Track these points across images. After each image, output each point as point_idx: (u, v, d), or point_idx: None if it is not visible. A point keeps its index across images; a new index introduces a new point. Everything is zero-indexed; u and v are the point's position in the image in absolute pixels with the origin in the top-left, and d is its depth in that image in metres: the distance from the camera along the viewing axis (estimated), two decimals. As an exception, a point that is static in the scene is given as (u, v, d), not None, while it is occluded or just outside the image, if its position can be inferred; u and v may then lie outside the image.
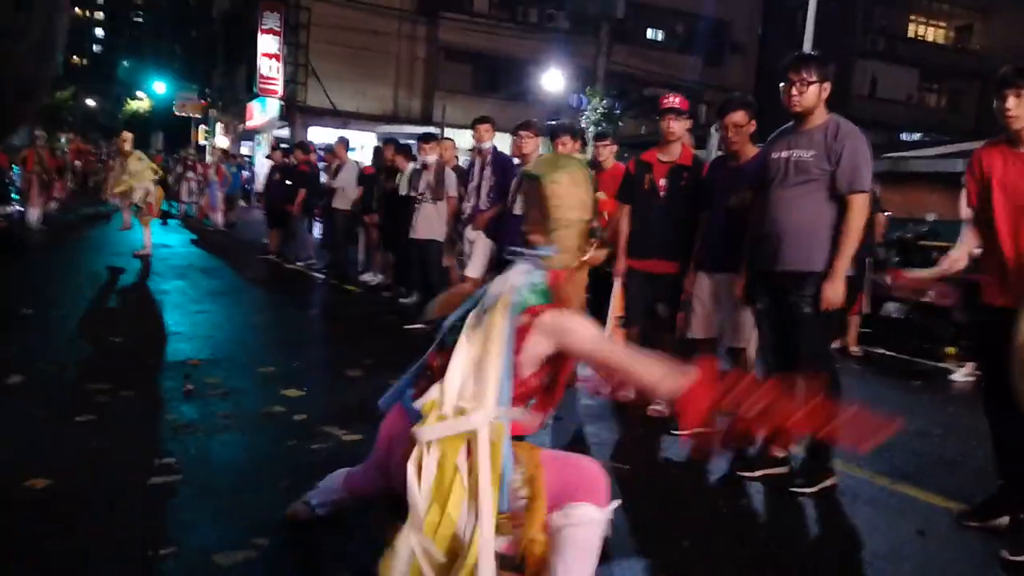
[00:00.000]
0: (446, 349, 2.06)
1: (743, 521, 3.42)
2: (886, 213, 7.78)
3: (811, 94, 3.41)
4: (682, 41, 27.55)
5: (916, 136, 28.45)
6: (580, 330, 2.00)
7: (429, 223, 7.05)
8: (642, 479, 3.74)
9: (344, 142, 10.08)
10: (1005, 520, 3.21)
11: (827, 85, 3.45)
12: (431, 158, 7.19)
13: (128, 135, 10.72)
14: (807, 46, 13.86)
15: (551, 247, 2.10)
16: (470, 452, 1.89)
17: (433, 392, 1.98)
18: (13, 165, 13.31)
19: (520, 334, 1.97)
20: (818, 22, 14.16)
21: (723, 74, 27.47)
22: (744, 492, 3.65)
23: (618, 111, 19.84)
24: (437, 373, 2.05)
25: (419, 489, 1.88)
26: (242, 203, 16.65)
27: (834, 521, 3.42)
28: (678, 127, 4.49)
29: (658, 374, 1.93)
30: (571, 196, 2.10)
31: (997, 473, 3.33)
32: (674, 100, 4.52)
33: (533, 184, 2.13)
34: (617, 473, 3.74)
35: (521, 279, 2.03)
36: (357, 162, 10.76)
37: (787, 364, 3.67)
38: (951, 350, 6.94)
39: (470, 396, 1.92)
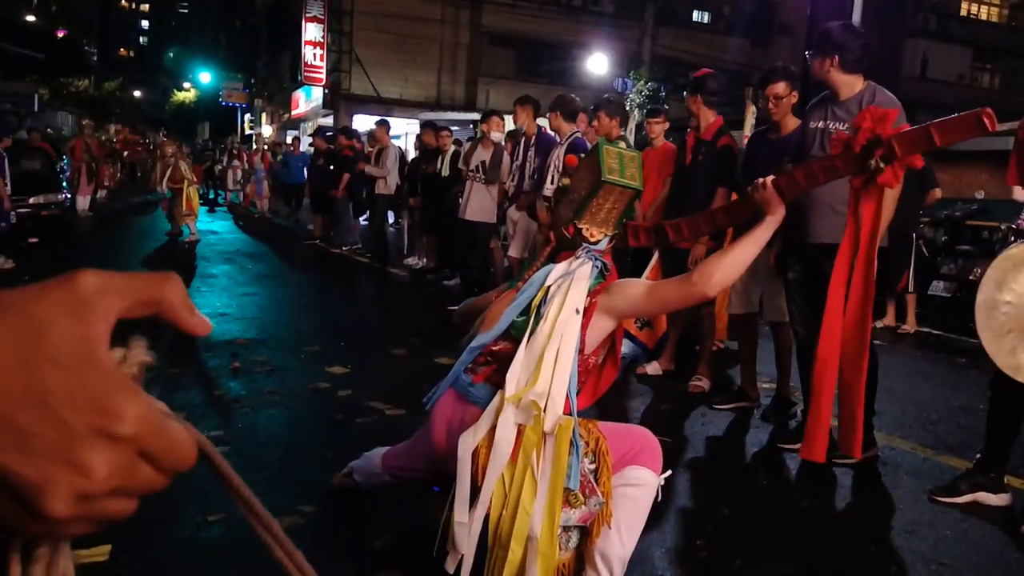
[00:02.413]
0: (511, 339, 2.11)
1: (783, 491, 3.41)
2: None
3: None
4: (729, 22, 27.05)
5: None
6: (631, 284, 2.15)
7: (479, 204, 6.93)
8: (683, 451, 3.73)
9: (385, 125, 10.05)
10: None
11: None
12: (496, 135, 7.02)
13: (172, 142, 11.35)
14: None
15: (608, 238, 2.20)
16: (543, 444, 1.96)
17: (514, 380, 2.00)
18: (62, 154, 13.69)
19: (586, 314, 2.05)
20: (868, 1, 13.81)
21: (770, 56, 26.88)
22: (785, 464, 3.63)
23: (663, 94, 19.60)
24: (501, 360, 2.10)
25: (488, 463, 1.94)
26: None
27: (876, 490, 3.38)
28: (692, 104, 4.58)
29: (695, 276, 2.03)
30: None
31: (987, 433, 3.22)
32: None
33: (628, 194, 2.16)
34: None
35: (587, 269, 2.11)
36: (399, 147, 10.80)
37: (818, 334, 3.64)
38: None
39: (544, 386, 1.96)
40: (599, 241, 2.18)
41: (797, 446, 3.70)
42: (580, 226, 2.17)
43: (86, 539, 2.49)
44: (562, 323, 2.01)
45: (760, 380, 4.54)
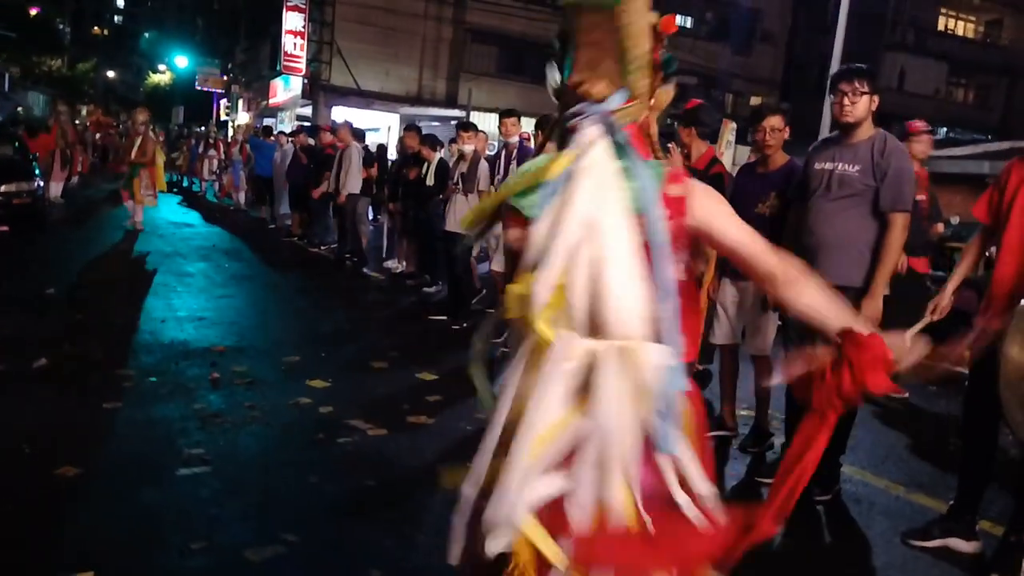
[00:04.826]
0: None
1: (762, 531, 3.44)
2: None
3: (862, 105, 3.39)
4: (712, 28, 27.20)
5: (942, 132, 28.09)
6: (727, 207, 1.59)
7: (459, 215, 6.89)
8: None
9: (349, 126, 9.94)
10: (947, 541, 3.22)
11: (876, 98, 3.42)
12: (468, 147, 7.02)
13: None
14: (839, 37, 13.69)
15: (622, 93, 1.51)
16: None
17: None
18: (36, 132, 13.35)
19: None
20: (849, 13, 13.95)
21: (752, 63, 27.17)
22: (762, 499, 3.66)
23: (642, 99, 19.63)
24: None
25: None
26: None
27: (850, 531, 3.44)
28: (686, 136, 4.55)
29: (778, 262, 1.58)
30: (643, 23, 1.57)
31: (960, 480, 3.30)
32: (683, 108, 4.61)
33: (598, 17, 1.54)
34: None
35: (603, 149, 1.47)
36: (366, 146, 10.65)
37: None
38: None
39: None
40: (606, 98, 1.50)
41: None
42: (579, 79, 1.53)
43: (69, 565, 2.47)
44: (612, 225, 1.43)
45: (739, 406, 4.59)
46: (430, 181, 7.75)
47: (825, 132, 13.41)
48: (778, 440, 4.19)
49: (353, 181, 9.41)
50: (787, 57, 28.44)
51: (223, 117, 36.14)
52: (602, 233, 1.39)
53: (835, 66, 13.82)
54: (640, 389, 1.36)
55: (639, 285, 1.38)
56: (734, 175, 4.86)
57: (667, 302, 1.41)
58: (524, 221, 1.52)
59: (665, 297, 1.41)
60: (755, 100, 26.90)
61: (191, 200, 17.72)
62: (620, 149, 1.48)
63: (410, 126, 9.11)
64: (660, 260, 1.41)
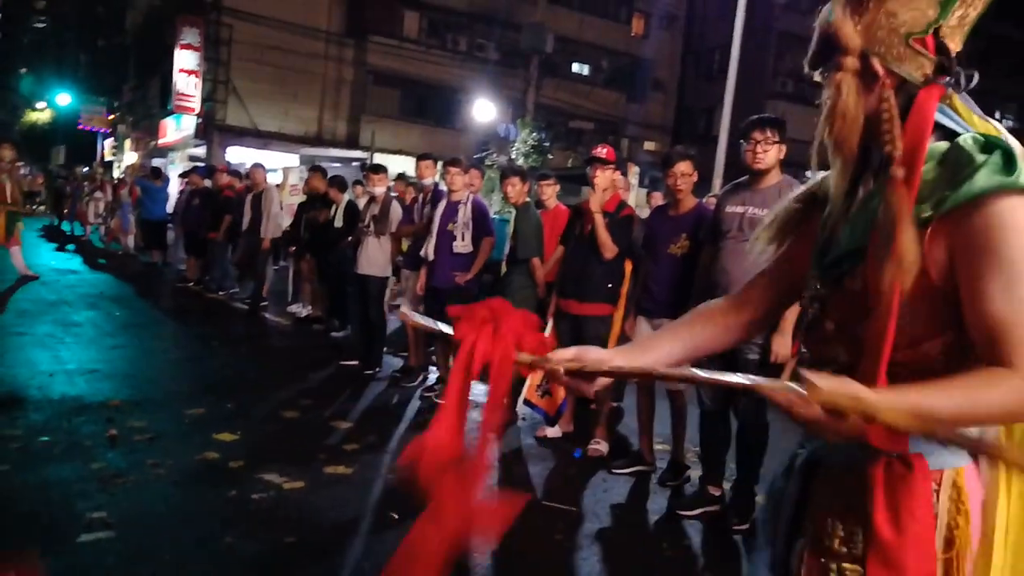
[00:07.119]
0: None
1: (686, 562, 3.49)
2: None
3: (772, 154, 3.59)
4: (607, 76, 28.29)
5: (821, 174, 30.00)
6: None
7: (371, 257, 6.72)
8: (587, 520, 3.76)
9: (261, 168, 9.64)
10: None
11: (784, 147, 3.62)
12: (379, 189, 6.88)
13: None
14: (729, 86, 14.49)
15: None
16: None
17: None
18: None
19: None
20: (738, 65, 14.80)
21: (645, 110, 28.33)
22: (685, 532, 3.74)
23: (548, 144, 20.15)
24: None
25: None
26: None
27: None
28: (602, 178, 4.65)
29: None
30: None
31: None
32: (600, 151, 4.75)
33: None
34: (561, 515, 3.77)
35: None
36: (277, 186, 10.46)
37: (726, 407, 3.84)
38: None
39: None
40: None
41: (695, 512, 3.86)
42: (945, 37, 1.17)
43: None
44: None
45: (655, 441, 4.66)
46: (338, 223, 7.61)
47: (717, 176, 14.10)
48: (695, 473, 4.27)
49: (275, 225, 9.09)
50: (677, 104, 29.85)
51: (108, 157, 34.60)
52: None
53: (727, 113, 14.64)
54: None
55: None
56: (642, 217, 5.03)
57: None
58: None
59: None
60: (649, 145, 28.08)
61: (74, 245, 16.79)
62: None
63: (315, 167, 8.95)
64: None
